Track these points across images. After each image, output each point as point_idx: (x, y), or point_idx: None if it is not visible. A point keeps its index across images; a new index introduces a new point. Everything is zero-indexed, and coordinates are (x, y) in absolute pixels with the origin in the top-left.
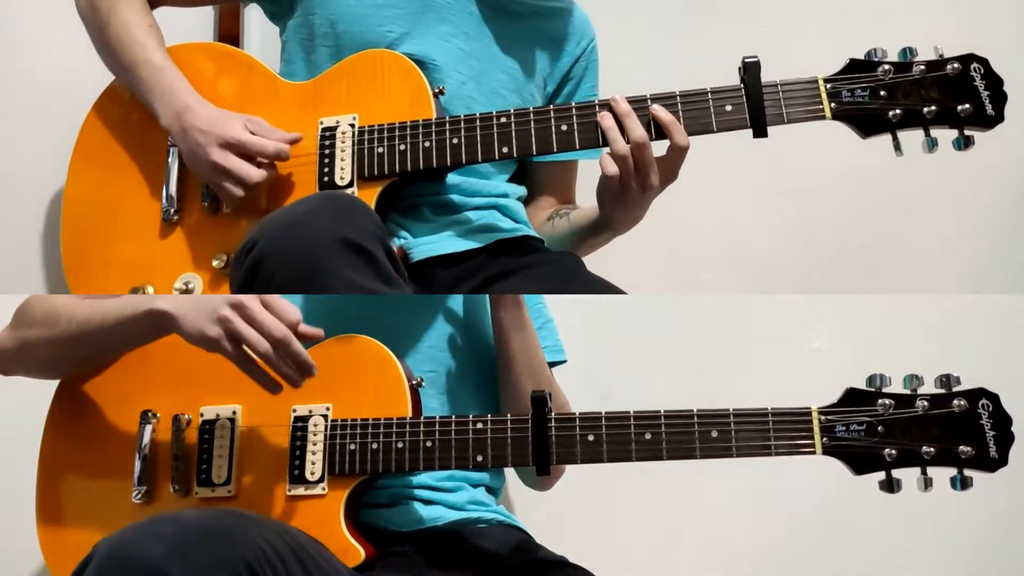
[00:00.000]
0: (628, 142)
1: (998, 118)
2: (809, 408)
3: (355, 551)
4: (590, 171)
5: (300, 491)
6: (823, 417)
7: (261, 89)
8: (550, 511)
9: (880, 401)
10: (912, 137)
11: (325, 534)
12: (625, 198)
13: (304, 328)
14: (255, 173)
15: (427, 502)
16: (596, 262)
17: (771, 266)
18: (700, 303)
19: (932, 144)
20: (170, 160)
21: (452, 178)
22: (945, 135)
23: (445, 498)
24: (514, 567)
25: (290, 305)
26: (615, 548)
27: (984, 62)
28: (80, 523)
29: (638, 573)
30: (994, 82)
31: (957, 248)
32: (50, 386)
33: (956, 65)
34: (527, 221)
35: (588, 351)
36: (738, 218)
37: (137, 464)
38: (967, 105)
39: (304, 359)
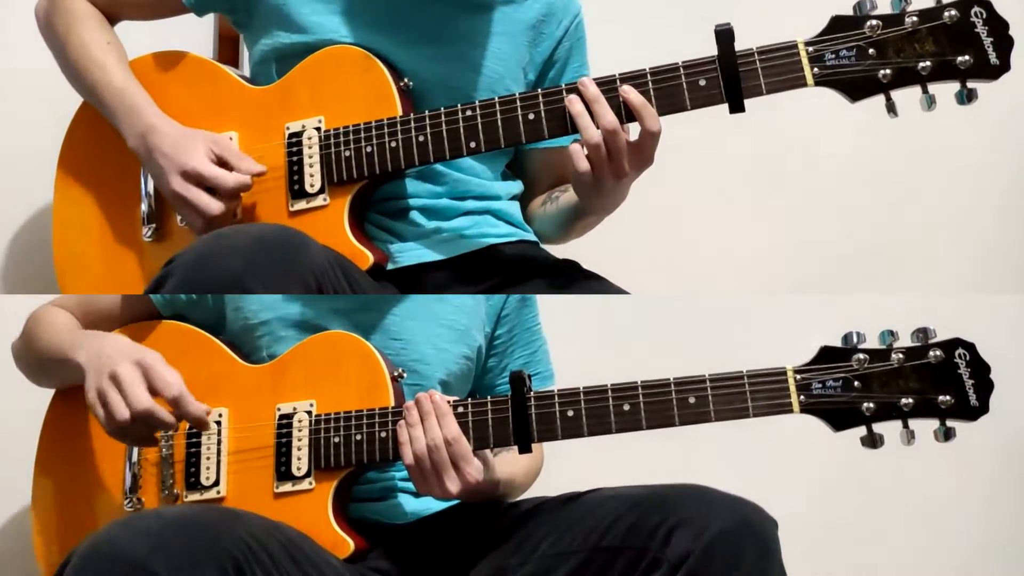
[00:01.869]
0: (599, 128)
1: (1004, 67)
2: (784, 368)
3: (344, 543)
4: None
5: (288, 487)
6: (798, 376)
7: (226, 97)
8: None
9: (855, 356)
10: (910, 96)
11: (314, 528)
12: (600, 188)
13: (187, 407)
14: (214, 206)
15: (417, 494)
16: (597, 263)
17: (771, 266)
18: (700, 303)
19: (930, 102)
20: (143, 181)
21: (440, 176)
22: (946, 92)
23: None
24: (499, 530)
25: (173, 379)
26: None
27: (987, 5)
28: (74, 533)
29: None
30: (999, 26)
31: (957, 248)
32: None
33: (953, 11)
34: (523, 223)
35: (588, 351)
36: (738, 218)
37: (127, 474)
38: (967, 56)
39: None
